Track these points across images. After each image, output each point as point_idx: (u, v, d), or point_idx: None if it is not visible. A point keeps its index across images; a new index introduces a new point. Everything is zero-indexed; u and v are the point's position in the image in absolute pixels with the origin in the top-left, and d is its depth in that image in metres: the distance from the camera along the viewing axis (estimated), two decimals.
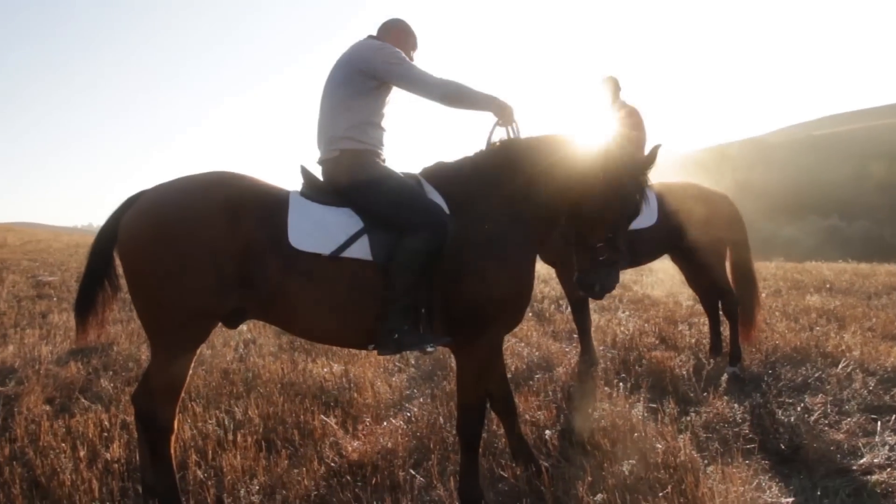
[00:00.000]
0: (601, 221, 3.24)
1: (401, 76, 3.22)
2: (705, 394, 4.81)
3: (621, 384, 4.71)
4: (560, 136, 3.38)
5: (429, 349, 3.03)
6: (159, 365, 3.00)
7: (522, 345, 6.29)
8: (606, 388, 4.78)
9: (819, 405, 4.59)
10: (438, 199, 3.18)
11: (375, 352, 3.11)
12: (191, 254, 2.85)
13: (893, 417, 4.38)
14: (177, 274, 2.84)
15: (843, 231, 40.44)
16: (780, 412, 4.43)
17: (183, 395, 3.21)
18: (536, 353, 6.00)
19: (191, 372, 3.15)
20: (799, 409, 4.47)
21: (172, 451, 3.10)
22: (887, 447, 3.87)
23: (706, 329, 6.67)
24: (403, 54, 3.32)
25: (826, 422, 4.31)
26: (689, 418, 4.23)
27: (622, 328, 6.88)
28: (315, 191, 3.21)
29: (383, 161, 3.35)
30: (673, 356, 5.66)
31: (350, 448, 3.88)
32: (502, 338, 3.43)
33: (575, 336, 6.59)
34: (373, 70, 3.22)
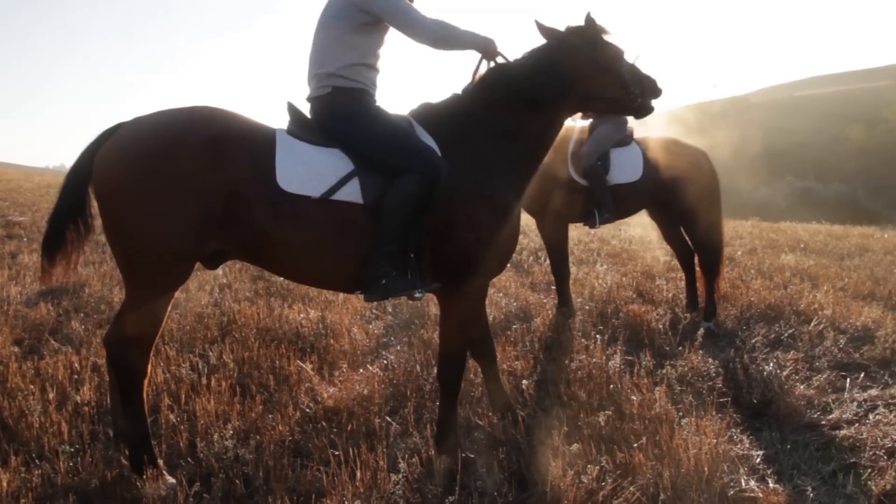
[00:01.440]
0: (610, 85, 3.30)
1: (394, 14, 3.07)
2: (681, 348, 4.84)
3: (598, 336, 4.72)
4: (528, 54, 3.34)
5: (417, 295, 2.97)
6: (134, 307, 2.89)
7: (501, 295, 6.29)
8: (584, 340, 4.79)
9: (791, 361, 4.64)
10: (430, 141, 3.09)
11: (362, 296, 3.06)
12: (173, 192, 2.71)
13: (862, 375, 4.46)
14: (157, 213, 2.72)
15: (819, 193, 40.75)
16: (752, 367, 4.47)
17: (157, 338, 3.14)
18: (514, 304, 6.01)
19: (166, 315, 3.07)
20: (771, 364, 4.51)
21: (144, 395, 3.03)
22: (855, 403, 3.94)
23: (683, 284, 6.71)
24: None
25: (797, 378, 4.36)
26: (664, 371, 4.26)
27: (600, 281, 6.90)
28: (303, 129, 3.09)
29: (376, 102, 3.26)
30: (650, 310, 5.68)
31: (325, 394, 3.86)
32: (487, 284, 3.39)
33: (552, 288, 6.59)
34: (368, 4, 3.07)
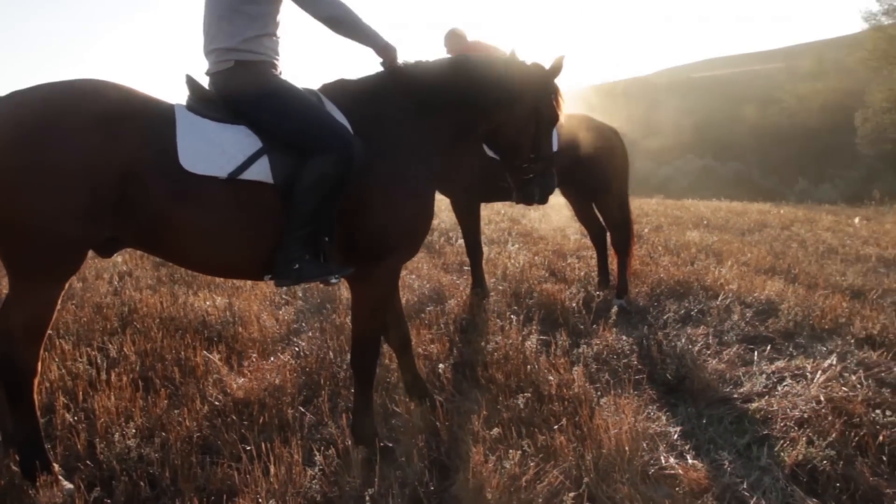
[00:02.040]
0: (524, 134, 3.32)
1: None
2: (595, 326, 4.87)
3: (514, 317, 4.69)
4: (465, 58, 3.24)
5: (332, 281, 2.84)
6: (20, 299, 2.62)
7: (413, 277, 6.19)
8: (499, 321, 4.76)
9: (701, 336, 4.75)
10: (341, 119, 2.93)
11: (272, 282, 2.89)
12: (59, 170, 2.44)
13: (769, 347, 4.59)
14: (42, 197, 2.44)
15: (717, 171, 42.35)
16: (665, 343, 4.54)
17: (49, 331, 2.87)
18: (427, 286, 5.92)
19: (59, 307, 2.80)
20: (683, 340, 4.60)
21: (35, 395, 2.78)
22: (764, 376, 4.04)
23: (594, 262, 6.78)
24: None
25: (708, 352, 4.45)
26: (580, 350, 4.26)
27: (512, 261, 6.88)
28: (205, 105, 2.85)
29: (280, 73, 3.06)
30: (563, 289, 5.70)
31: (235, 385, 3.67)
32: (400, 267, 3.27)
33: (466, 269, 6.56)
34: None
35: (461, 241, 8.40)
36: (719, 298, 5.70)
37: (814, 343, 4.71)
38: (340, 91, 3.10)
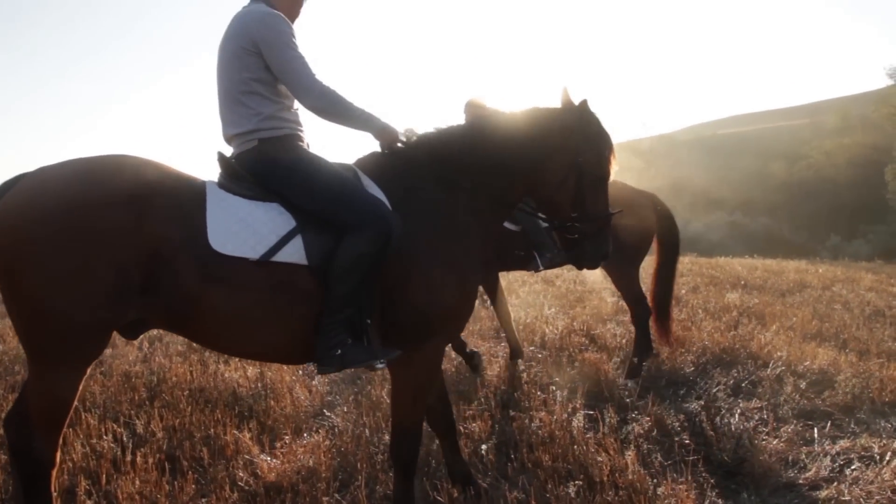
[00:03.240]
0: (563, 192, 3.04)
1: (281, 66, 2.75)
2: (642, 400, 4.63)
3: (557, 391, 4.48)
4: (483, 119, 3.14)
5: (378, 366, 2.66)
6: (40, 385, 2.47)
7: (448, 347, 5.99)
8: (541, 394, 4.54)
9: (755, 411, 4.49)
10: (378, 193, 2.80)
11: (315, 369, 2.74)
12: (85, 253, 2.31)
13: (829, 424, 4.31)
14: (66, 278, 2.31)
15: (747, 227, 41.89)
16: (718, 420, 4.28)
17: (76, 404, 2.70)
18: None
19: (85, 378, 2.64)
20: (737, 416, 4.34)
21: (54, 487, 2.60)
22: (829, 457, 3.76)
23: (633, 328, 6.57)
24: (292, 29, 2.82)
25: (765, 430, 4.18)
26: (629, 428, 4.03)
27: (550, 327, 6.69)
28: (236, 182, 2.74)
29: (307, 146, 2.95)
30: (605, 358, 5.49)
31: (266, 467, 3.49)
32: (443, 350, 3.10)
33: (502, 335, 6.37)
34: (255, 46, 2.74)
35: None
36: (769, 368, 5.44)
37: (876, 419, 4.43)
38: (375, 164, 2.97)
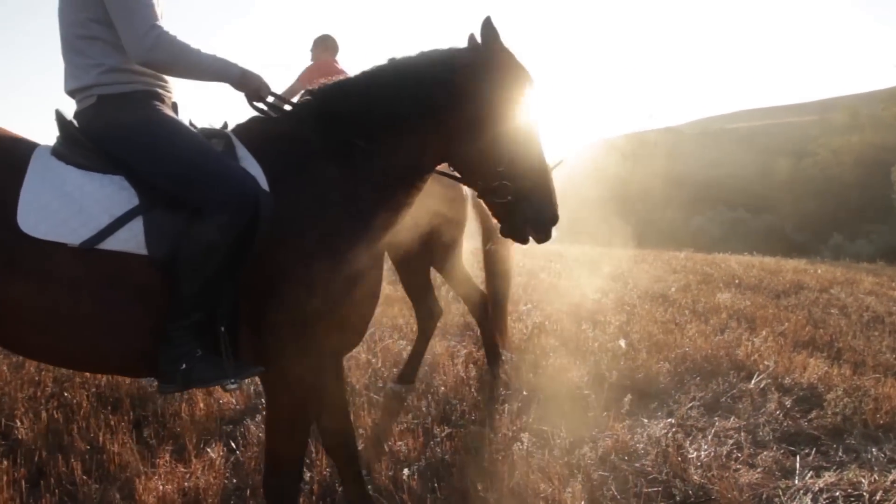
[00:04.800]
0: (479, 144, 2.41)
1: (112, 4, 2.18)
2: (605, 414, 4.13)
3: (506, 405, 3.96)
4: (383, 65, 2.50)
5: (230, 386, 2.13)
6: None
7: (403, 343, 5.46)
8: (495, 406, 4.04)
9: (732, 432, 3.98)
10: (254, 168, 2.24)
11: (156, 386, 2.22)
12: None
13: (813, 451, 3.80)
14: None
15: (749, 223, 41.35)
16: (688, 443, 3.77)
17: None
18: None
19: None
20: (710, 437, 3.84)
21: None
22: (810, 495, 3.25)
23: (612, 329, 6.06)
24: None
25: (740, 456, 3.68)
26: (583, 452, 3.51)
27: (521, 325, 6.17)
28: (72, 148, 2.21)
29: (170, 106, 2.42)
30: (573, 363, 4.97)
31: (143, 488, 2.98)
32: (333, 364, 2.55)
33: (469, 333, 5.87)
34: None
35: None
36: (753, 380, 4.92)
37: (868, 445, 3.92)
38: (257, 130, 2.42)
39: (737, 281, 10.85)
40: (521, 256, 12.93)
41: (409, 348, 5.21)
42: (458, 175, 2.57)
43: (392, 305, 7.11)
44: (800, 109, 78.42)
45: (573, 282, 9.73)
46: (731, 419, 4.22)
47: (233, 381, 2.10)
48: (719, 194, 45.38)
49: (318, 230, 2.23)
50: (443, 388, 4.36)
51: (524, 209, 2.46)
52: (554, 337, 5.91)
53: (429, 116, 2.38)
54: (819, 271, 13.17)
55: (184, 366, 2.06)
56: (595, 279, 10.26)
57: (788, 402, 4.49)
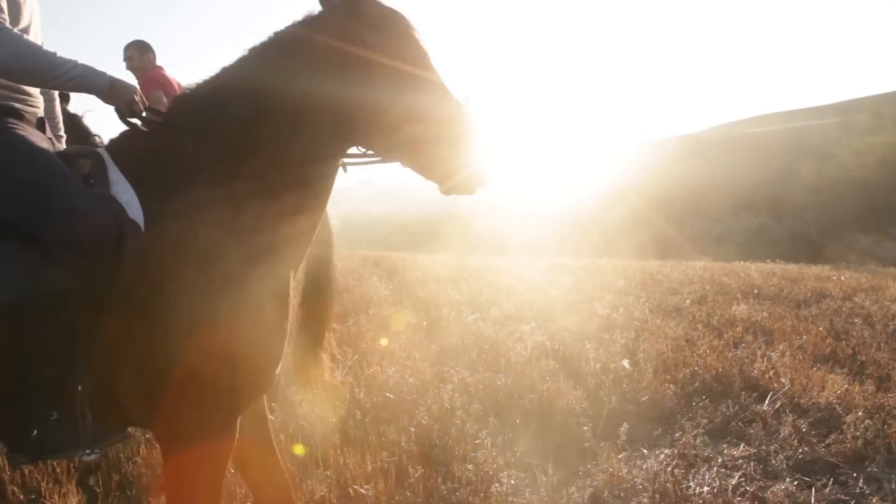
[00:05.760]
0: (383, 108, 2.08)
1: None
2: (603, 443, 3.80)
3: (489, 439, 3.65)
4: (266, 45, 2.15)
5: (87, 455, 1.84)
6: None
7: (392, 370, 5.15)
8: (479, 437, 3.72)
9: (740, 461, 3.65)
10: (126, 194, 1.93)
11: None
12: None
13: (830, 481, 3.45)
14: None
15: (773, 229, 40.72)
16: (691, 476, 3.44)
17: None
18: (411, 379, 4.89)
19: None
20: (715, 468, 3.50)
21: None
22: None
23: (616, 349, 5.73)
24: None
25: (748, 489, 3.34)
26: (571, 491, 3.19)
27: (520, 346, 5.85)
28: None
29: (32, 123, 2.13)
30: (572, 387, 4.65)
31: None
32: (237, 414, 2.11)
33: (474, 352, 5.58)
34: None
35: (471, 317, 7.45)
36: (766, 400, 4.57)
37: (891, 473, 3.56)
38: (134, 148, 2.10)
39: (755, 291, 10.42)
40: (531, 272, 12.65)
41: (402, 376, 4.92)
42: (373, 158, 2.24)
43: (388, 327, 6.85)
44: (820, 112, 77.34)
45: (584, 296, 9.41)
46: (741, 446, 3.88)
47: (91, 451, 1.80)
48: (742, 200, 44.81)
49: (199, 263, 1.92)
50: (426, 420, 4.05)
51: (455, 156, 2.13)
52: (555, 358, 5.58)
53: (309, 100, 2.06)
54: (843, 278, 12.68)
55: (35, 432, 1.78)
56: (608, 293, 9.92)
57: (804, 426, 4.13)
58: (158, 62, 5.91)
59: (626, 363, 5.19)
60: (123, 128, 2.14)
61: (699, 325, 7.29)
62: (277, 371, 2.10)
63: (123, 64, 5.82)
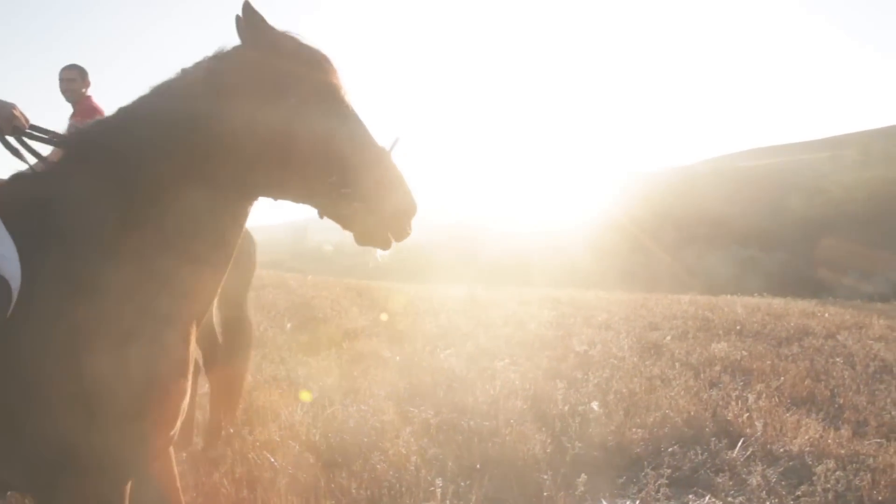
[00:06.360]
0: (303, 153, 1.94)
1: None
2: (562, 493, 3.65)
3: (441, 488, 3.49)
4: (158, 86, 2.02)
5: None
6: None
7: (355, 406, 4.98)
8: (439, 481, 3.56)
9: None
10: (2, 245, 1.74)
11: None
12: None
13: None
14: None
15: (763, 262, 40.83)
16: None
17: None
18: (372, 419, 4.71)
19: None
20: None
21: None
22: None
23: (588, 388, 5.60)
24: None
25: None
26: None
27: (488, 386, 5.69)
28: None
29: None
30: (538, 430, 4.50)
31: None
32: (126, 483, 1.90)
33: (430, 398, 5.42)
34: None
35: (446, 352, 7.30)
36: (737, 447, 4.42)
37: None
38: (19, 190, 1.95)
39: (738, 327, 10.31)
40: (515, 304, 12.53)
41: (363, 416, 4.77)
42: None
43: (360, 362, 6.70)
44: (811, 146, 78.06)
45: (563, 331, 9.29)
46: (707, 498, 3.74)
47: None
48: (732, 233, 45.02)
49: (80, 319, 1.75)
50: (381, 465, 3.89)
51: (375, 209, 2.00)
52: (524, 398, 5.42)
53: (212, 145, 1.91)
54: (827, 314, 12.58)
55: None
56: (588, 328, 9.79)
57: (774, 476, 4.00)
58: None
59: (594, 405, 5.03)
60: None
61: (677, 364, 7.15)
62: (173, 433, 1.94)
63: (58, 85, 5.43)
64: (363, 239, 2.07)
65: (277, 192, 2.05)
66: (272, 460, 3.85)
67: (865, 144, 50.89)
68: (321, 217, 2.05)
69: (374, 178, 1.97)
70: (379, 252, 2.16)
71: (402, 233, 2.07)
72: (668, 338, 9.03)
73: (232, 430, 4.35)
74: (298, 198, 2.04)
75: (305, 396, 5.25)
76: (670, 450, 4.43)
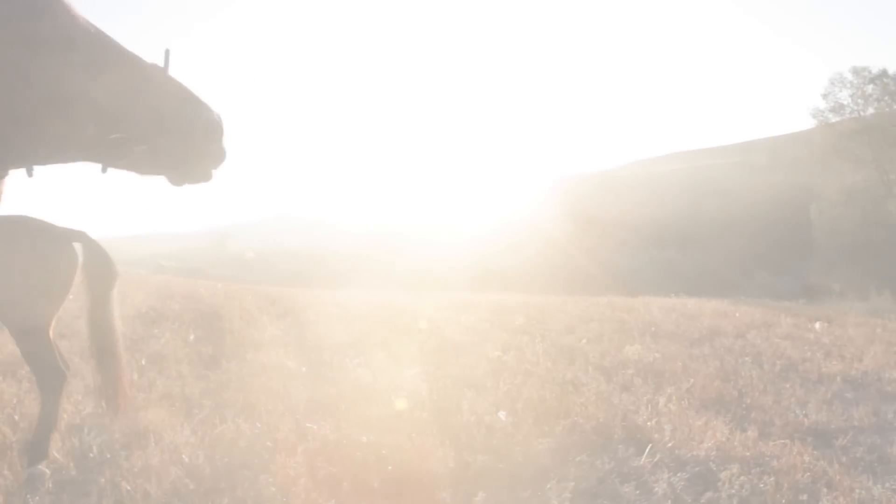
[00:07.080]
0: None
1: None
2: None
3: None
4: None
5: None
6: None
7: (248, 424, 4.66)
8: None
9: None
10: None
11: None
12: None
13: None
14: None
15: (679, 263, 41.90)
16: None
17: None
18: (265, 437, 4.42)
19: None
20: None
21: None
22: None
23: (498, 396, 5.44)
24: None
25: None
26: None
27: (397, 395, 5.46)
28: None
29: None
30: (441, 444, 4.29)
31: None
32: None
33: (341, 406, 5.16)
34: None
35: (355, 361, 7.02)
36: (645, 454, 4.32)
37: None
38: None
39: (653, 329, 10.38)
40: (434, 310, 12.32)
41: (256, 434, 4.47)
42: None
43: (262, 374, 6.36)
44: (723, 151, 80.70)
45: (479, 337, 9.12)
46: None
47: None
48: (650, 235, 46.05)
49: None
50: (269, 489, 3.60)
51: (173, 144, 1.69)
52: (431, 409, 5.21)
53: None
54: (738, 314, 12.86)
55: None
56: (504, 333, 9.66)
57: (680, 483, 3.89)
58: None
59: (501, 415, 4.86)
60: None
61: (590, 368, 7.07)
62: None
63: None
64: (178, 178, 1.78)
65: (19, 159, 1.65)
66: (147, 489, 3.52)
67: (773, 149, 52.88)
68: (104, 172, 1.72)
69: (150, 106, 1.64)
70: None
71: (219, 155, 1.79)
72: (584, 341, 8.98)
73: (109, 456, 4.00)
74: (50, 159, 1.67)
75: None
76: (578, 459, 4.28)
